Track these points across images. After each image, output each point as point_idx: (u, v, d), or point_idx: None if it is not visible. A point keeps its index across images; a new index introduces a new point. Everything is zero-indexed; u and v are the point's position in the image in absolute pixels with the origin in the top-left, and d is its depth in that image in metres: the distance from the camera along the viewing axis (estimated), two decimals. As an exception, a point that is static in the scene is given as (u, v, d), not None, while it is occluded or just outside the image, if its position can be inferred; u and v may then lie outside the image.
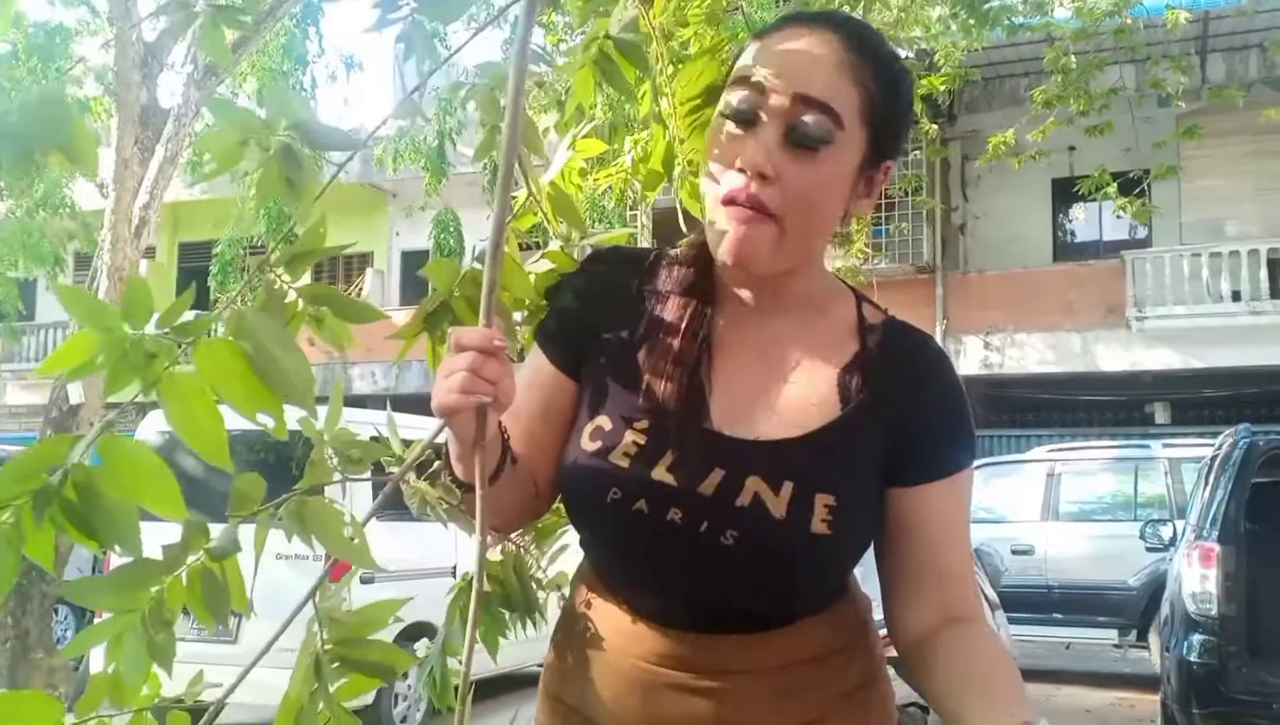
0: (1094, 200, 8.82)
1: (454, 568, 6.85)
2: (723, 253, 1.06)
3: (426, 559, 6.69)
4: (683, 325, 1.11)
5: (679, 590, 1.09)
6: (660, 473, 1.05)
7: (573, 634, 1.19)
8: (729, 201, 1.04)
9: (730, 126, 1.05)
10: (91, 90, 11.58)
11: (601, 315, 1.15)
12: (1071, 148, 12.43)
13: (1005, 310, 14.04)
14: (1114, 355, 13.76)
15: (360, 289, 17.75)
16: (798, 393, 1.08)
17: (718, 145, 1.07)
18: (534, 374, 1.17)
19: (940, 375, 1.13)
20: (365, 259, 18.49)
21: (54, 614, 8.14)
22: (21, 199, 12.90)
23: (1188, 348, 13.34)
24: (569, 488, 1.12)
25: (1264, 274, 13.17)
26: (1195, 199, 14.10)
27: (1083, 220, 15.68)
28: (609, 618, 1.14)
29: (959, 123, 14.50)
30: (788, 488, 1.03)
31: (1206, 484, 5.94)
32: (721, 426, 1.07)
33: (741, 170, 1.03)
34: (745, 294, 1.13)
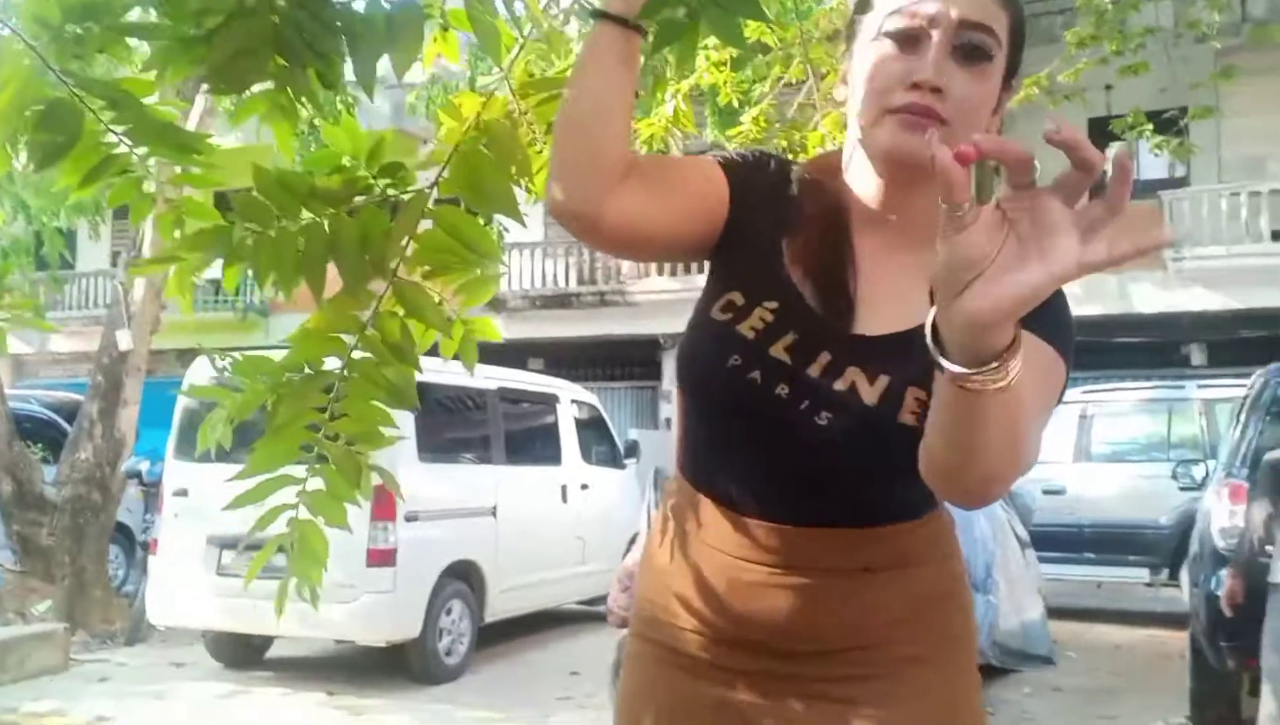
0: (1130, 140, 8.73)
1: (494, 508, 7.03)
2: (891, 149, 1.12)
3: (468, 499, 6.87)
4: (824, 228, 1.19)
5: (776, 468, 1.17)
6: (778, 350, 1.15)
7: (663, 541, 1.27)
8: (899, 110, 1.11)
9: (888, 48, 1.12)
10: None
11: (764, 199, 1.23)
12: (1108, 86, 12.18)
13: (1040, 252, 13.91)
14: (1151, 296, 13.65)
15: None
16: (902, 293, 1.14)
17: (874, 66, 1.13)
18: (704, 171, 1.22)
19: None
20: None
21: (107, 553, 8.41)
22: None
23: (1226, 288, 13.21)
24: (692, 352, 1.20)
25: (1305, 213, 13.00)
26: (1234, 137, 13.87)
27: (1120, 160, 15.42)
28: (703, 514, 1.23)
29: (994, 62, 14.30)
30: (883, 380, 1.12)
31: (1238, 423, 5.97)
32: (835, 319, 1.16)
33: (916, 86, 1.09)
34: (876, 215, 1.19)
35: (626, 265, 16.41)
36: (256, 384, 1.36)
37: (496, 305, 16.37)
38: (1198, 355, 14.48)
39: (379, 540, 6.02)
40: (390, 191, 1.24)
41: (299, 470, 1.45)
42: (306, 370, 1.38)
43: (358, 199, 1.25)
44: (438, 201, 1.35)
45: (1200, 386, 9.27)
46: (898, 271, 1.17)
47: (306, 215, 1.23)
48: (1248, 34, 8.53)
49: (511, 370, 7.89)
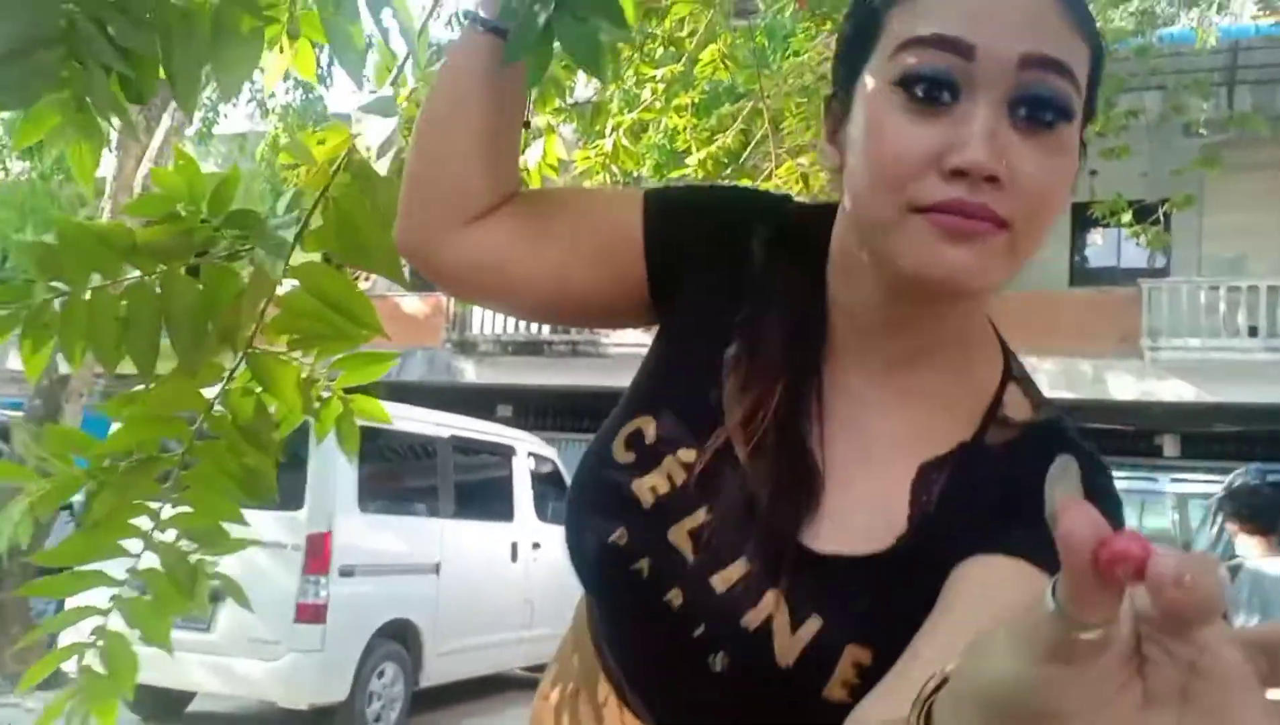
0: (1112, 226, 8.66)
1: (438, 564, 6.71)
2: (921, 270, 0.71)
3: (409, 554, 6.55)
4: (786, 359, 0.80)
5: (670, 696, 0.85)
6: (679, 534, 0.80)
7: (556, 687, 0.98)
8: (942, 210, 0.69)
9: (906, 103, 0.70)
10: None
11: (704, 268, 0.86)
12: (1093, 172, 12.18)
13: (1020, 332, 13.71)
14: (1126, 384, 13.57)
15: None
16: (876, 488, 0.77)
17: (885, 133, 0.71)
18: (614, 213, 0.89)
19: None
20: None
21: (33, 586, 8.01)
22: (36, 162, 12.74)
23: (1201, 381, 13.14)
24: (576, 499, 0.88)
25: (1284, 311, 13.00)
26: (1217, 231, 13.90)
27: (1101, 246, 15.49)
28: (599, 690, 0.92)
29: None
30: (811, 626, 0.74)
31: (1214, 523, 5.78)
32: (774, 509, 0.77)
33: (958, 172, 0.68)
34: (865, 341, 0.80)
35: (601, 317, 16.18)
36: (69, 468, 1.10)
37: (467, 349, 16.12)
38: (1170, 446, 14.37)
39: (309, 594, 5.68)
40: (241, 246, 1.00)
41: (120, 568, 1.20)
42: (135, 456, 1.12)
43: (201, 255, 1.00)
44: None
45: (1174, 480, 9.10)
46: (876, 446, 0.78)
47: (134, 274, 0.99)
48: (1231, 123, 8.49)
49: (466, 418, 7.58)
